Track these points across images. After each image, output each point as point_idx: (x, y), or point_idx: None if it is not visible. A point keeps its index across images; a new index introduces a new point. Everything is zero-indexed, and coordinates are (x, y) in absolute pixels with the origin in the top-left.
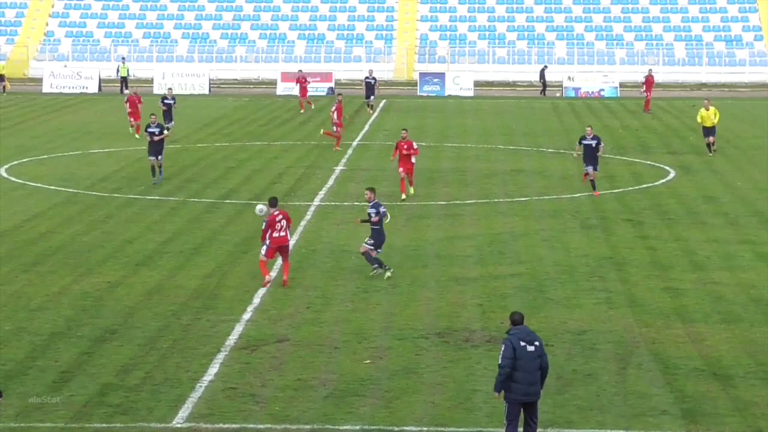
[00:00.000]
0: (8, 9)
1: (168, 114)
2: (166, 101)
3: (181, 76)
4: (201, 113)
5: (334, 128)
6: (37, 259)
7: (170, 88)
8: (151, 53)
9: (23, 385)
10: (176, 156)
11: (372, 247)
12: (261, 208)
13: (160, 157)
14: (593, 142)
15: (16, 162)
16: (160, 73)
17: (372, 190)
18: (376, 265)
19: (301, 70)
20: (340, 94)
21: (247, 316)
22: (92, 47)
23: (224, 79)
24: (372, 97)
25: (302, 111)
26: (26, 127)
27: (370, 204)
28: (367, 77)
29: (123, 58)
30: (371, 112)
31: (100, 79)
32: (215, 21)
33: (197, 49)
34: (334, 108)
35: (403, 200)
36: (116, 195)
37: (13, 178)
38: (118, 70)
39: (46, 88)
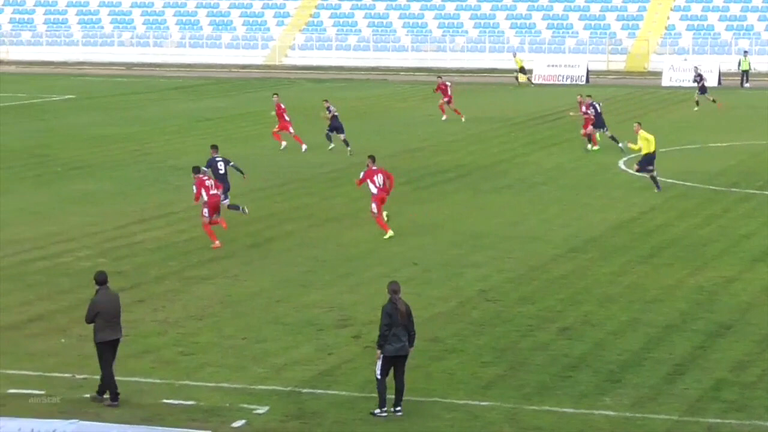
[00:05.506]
0: (631, 3)
1: None
2: None
3: None
4: None
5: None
6: (653, 251)
7: None
8: None
9: (638, 376)
10: None
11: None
12: None
13: None
14: None
15: (633, 155)
16: None
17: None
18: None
19: (440, 76)
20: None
21: None
22: (713, 40)
23: None
24: (704, 94)
25: (444, 117)
26: (645, 120)
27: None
28: (695, 75)
29: (745, 52)
30: (697, 108)
31: (719, 73)
32: None
33: None
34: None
35: None
36: (733, 189)
37: (631, 171)
38: (739, 64)
39: (665, 82)
